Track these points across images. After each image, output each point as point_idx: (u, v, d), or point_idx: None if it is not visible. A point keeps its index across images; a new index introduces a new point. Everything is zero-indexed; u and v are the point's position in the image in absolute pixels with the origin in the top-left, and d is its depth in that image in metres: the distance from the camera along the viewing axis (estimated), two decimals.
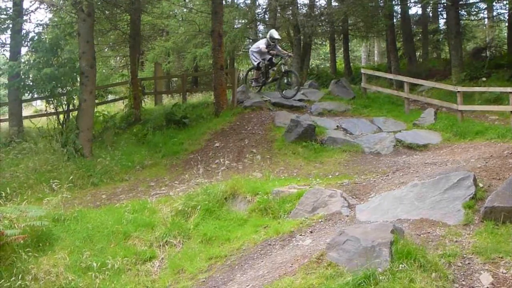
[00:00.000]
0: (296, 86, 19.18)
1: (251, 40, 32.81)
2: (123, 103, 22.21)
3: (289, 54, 20.48)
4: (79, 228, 9.15)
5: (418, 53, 31.15)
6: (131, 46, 21.10)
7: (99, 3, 17.93)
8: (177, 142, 16.06)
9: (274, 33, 19.00)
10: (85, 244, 8.53)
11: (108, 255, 8.06)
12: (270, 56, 18.69)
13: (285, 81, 19.31)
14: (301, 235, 7.48)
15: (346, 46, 33.22)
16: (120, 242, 8.66)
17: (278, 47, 19.27)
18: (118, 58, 33.03)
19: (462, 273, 5.50)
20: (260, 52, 19.04)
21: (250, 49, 19.96)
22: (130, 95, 20.57)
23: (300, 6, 30.28)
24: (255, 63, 19.27)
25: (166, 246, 8.63)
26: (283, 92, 19.42)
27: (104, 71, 30.67)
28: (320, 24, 30.23)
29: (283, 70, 18.84)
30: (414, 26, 31.46)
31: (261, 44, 19.07)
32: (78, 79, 16.43)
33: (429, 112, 16.54)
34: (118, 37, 25.90)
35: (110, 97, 26.70)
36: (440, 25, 32.84)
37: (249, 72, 22.68)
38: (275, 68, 19.11)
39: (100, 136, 17.30)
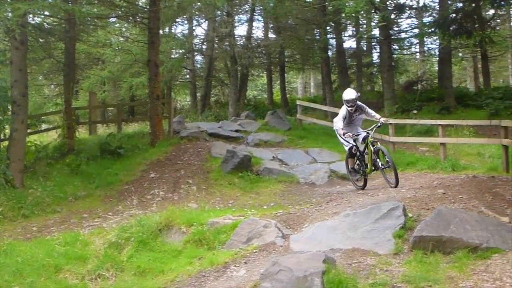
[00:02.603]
0: (393, 171, 11.15)
1: (188, 70, 32.90)
2: (56, 132, 21.78)
3: (385, 120, 12.35)
4: (8, 261, 8.86)
5: (353, 86, 31.82)
6: (66, 74, 20.78)
7: (33, 31, 17.67)
8: (111, 173, 15.84)
9: (348, 93, 11.73)
10: (15, 278, 8.26)
11: None
12: (363, 133, 11.69)
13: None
14: (235, 265, 7.47)
15: (282, 77, 33.67)
16: (51, 276, 8.43)
17: (366, 108, 12.00)
18: (52, 87, 32.51)
19: None
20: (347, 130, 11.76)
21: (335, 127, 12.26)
22: (64, 124, 20.19)
23: (238, 37, 30.60)
24: (346, 148, 12.09)
25: (98, 279, 8.44)
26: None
27: (37, 99, 30.11)
28: (257, 55, 30.68)
29: (373, 148, 11.38)
30: (349, 59, 32.19)
31: (341, 114, 11.94)
32: (10, 108, 16.06)
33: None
34: (52, 66, 25.53)
35: (44, 126, 26.18)
36: (374, 59, 33.72)
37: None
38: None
39: (32, 167, 16.86)
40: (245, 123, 21.61)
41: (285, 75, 34.63)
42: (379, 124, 11.63)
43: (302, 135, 19.32)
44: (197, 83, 34.27)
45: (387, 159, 11.10)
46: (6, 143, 16.57)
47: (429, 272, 6.17)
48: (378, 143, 11.65)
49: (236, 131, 20.05)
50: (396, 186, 10.71)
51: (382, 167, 11.18)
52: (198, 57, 35.06)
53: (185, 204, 12.53)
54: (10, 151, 15.34)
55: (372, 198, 9.89)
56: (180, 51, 29.66)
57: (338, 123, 11.94)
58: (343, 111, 11.75)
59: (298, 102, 22.46)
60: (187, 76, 34.85)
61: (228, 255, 7.99)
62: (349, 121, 11.84)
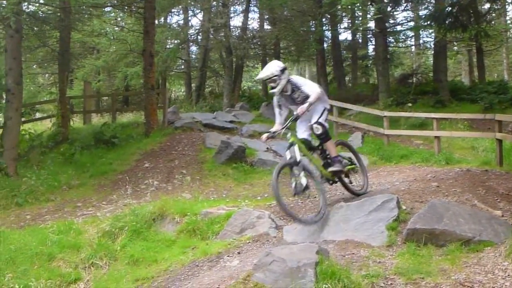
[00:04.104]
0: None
1: (183, 61, 32.83)
2: (50, 121, 21.74)
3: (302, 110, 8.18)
4: (1, 249, 8.84)
5: (348, 78, 31.86)
6: (60, 63, 20.74)
7: (28, 19, 17.59)
8: (105, 162, 15.84)
9: (264, 70, 8.55)
10: (7, 266, 8.24)
11: (31, 277, 7.81)
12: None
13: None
14: (228, 256, 7.48)
15: None
16: (44, 264, 8.42)
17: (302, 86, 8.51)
18: (46, 76, 32.39)
19: None
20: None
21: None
22: (58, 113, 20.16)
23: (233, 28, 30.59)
24: (319, 131, 8.46)
25: (92, 267, 8.44)
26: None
27: (31, 88, 29.99)
28: (252, 46, 30.58)
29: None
30: (344, 52, 32.20)
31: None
32: (4, 96, 16.02)
33: (356, 136, 16.93)
34: (46, 54, 25.44)
35: (38, 115, 26.11)
36: (369, 51, 33.72)
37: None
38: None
39: (26, 155, 16.85)
40: (240, 114, 21.61)
41: None
42: (294, 116, 8.20)
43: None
44: (192, 74, 34.22)
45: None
46: (0, 131, 16.53)
47: (421, 264, 6.19)
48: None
49: (231, 122, 20.05)
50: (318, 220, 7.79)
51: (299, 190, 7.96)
52: (193, 48, 35.07)
53: (179, 194, 12.53)
54: (4, 139, 15.33)
55: None
56: (175, 41, 29.63)
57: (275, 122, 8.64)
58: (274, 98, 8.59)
59: None
60: (182, 67, 34.81)
61: (221, 245, 8.00)
62: (286, 109, 8.66)
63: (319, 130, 8.36)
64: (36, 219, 11.51)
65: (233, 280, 6.12)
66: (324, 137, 8.47)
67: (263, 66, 34.35)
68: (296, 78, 8.48)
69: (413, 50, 38.00)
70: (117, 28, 28.04)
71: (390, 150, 15.37)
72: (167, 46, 28.63)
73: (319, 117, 8.43)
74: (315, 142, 8.76)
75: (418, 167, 12.96)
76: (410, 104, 21.72)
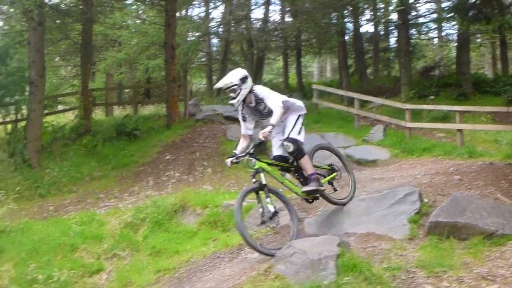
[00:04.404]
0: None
1: (204, 53, 32.85)
2: (73, 113, 21.90)
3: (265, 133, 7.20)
4: (25, 240, 8.98)
5: (369, 70, 31.65)
6: (83, 56, 20.85)
7: (51, 12, 17.73)
8: (127, 154, 15.93)
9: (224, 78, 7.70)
10: (31, 256, 8.35)
11: (54, 267, 7.92)
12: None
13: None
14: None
15: (298, 61, 33.48)
16: (67, 255, 8.52)
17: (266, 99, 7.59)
18: (69, 68, 32.59)
19: (406, 286, 5.58)
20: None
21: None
22: (81, 105, 20.29)
23: (254, 20, 30.51)
24: (291, 149, 7.52)
25: (114, 258, 8.53)
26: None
27: (54, 81, 30.19)
28: (274, 39, 30.48)
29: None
30: (366, 44, 31.97)
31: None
32: (27, 88, 16.17)
33: (378, 129, 16.82)
34: (69, 47, 25.60)
35: (60, 107, 26.31)
36: (391, 44, 33.45)
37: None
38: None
39: (49, 147, 17.02)
40: None
41: (301, 59, 34.43)
42: (258, 141, 7.22)
43: (317, 119, 19.27)
44: (213, 66, 34.24)
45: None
46: (23, 123, 16.71)
47: (444, 257, 6.16)
48: (260, 175, 7.20)
49: None
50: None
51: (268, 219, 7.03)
52: (214, 40, 35.04)
53: (200, 186, 12.58)
54: (27, 131, 15.50)
55: (388, 184, 9.88)
56: (196, 33, 29.62)
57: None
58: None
59: (314, 86, 22.38)
60: (203, 59, 34.82)
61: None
62: (252, 122, 7.86)
63: (290, 148, 7.44)
64: (59, 210, 11.64)
65: (254, 271, 6.14)
66: (297, 154, 7.51)
67: (284, 59, 34.39)
68: (260, 89, 7.53)
69: (435, 42, 37.61)
70: (138, 21, 28.07)
71: (412, 143, 15.27)
72: (188, 39, 28.63)
73: (291, 130, 7.60)
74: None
75: (440, 160, 12.87)
76: (432, 97, 21.52)
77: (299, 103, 7.95)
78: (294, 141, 7.45)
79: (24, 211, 11.61)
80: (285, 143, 7.47)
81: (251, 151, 7.28)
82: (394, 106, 18.11)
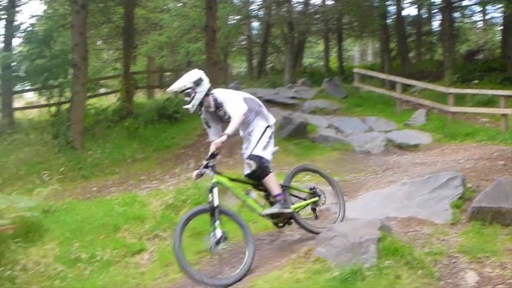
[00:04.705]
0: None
1: (245, 37, 32.84)
2: (115, 96, 22.16)
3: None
4: (69, 219, 9.12)
5: (412, 54, 31.25)
6: (125, 39, 21.05)
7: None
8: (168, 137, 16.08)
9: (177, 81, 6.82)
10: (75, 235, 8.50)
11: (97, 247, 8.04)
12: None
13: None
14: (290, 230, 7.52)
15: (339, 45, 33.25)
16: (109, 234, 8.64)
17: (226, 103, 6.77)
18: (110, 52, 32.94)
19: (448, 271, 5.54)
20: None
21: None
22: (123, 88, 20.52)
23: (295, 3, 30.32)
24: (253, 167, 6.78)
25: (155, 239, 8.61)
26: None
27: (96, 64, 30.58)
28: (314, 22, 30.29)
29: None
30: (408, 27, 31.55)
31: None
32: (70, 71, 16.40)
33: (420, 113, 16.64)
34: (111, 30, 25.85)
35: (102, 90, 26.64)
36: (434, 27, 32.96)
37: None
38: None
39: (91, 129, 17.28)
40: (301, 90, 21.50)
41: (342, 42, 34.16)
42: (209, 154, 6.66)
43: (358, 103, 19.13)
44: (253, 50, 34.23)
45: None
46: (66, 106, 16.97)
47: (486, 243, 6.08)
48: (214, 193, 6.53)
49: (292, 98, 19.97)
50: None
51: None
52: (255, 23, 34.99)
53: (240, 169, 12.60)
54: (70, 114, 15.77)
55: (430, 168, 9.77)
56: (237, 17, 29.61)
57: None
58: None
59: (355, 70, 22.21)
60: (244, 43, 34.83)
61: None
62: (217, 128, 7.06)
63: (252, 166, 6.66)
64: (102, 191, 11.82)
65: (295, 254, 6.15)
66: (259, 173, 6.71)
67: (325, 42, 34.15)
68: (219, 93, 6.76)
69: (479, 26, 36.89)
70: (179, 4, 28.21)
71: (455, 127, 15.07)
72: (229, 22, 28.65)
73: (255, 145, 6.77)
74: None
75: (483, 145, 12.68)
76: (476, 81, 21.18)
77: (265, 111, 7.11)
78: (256, 158, 6.68)
79: (67, 192, 11.81)
80: (247, 160, 6.76)
81: (210, 163, 6.60)
82: (437, 90, 17.88)
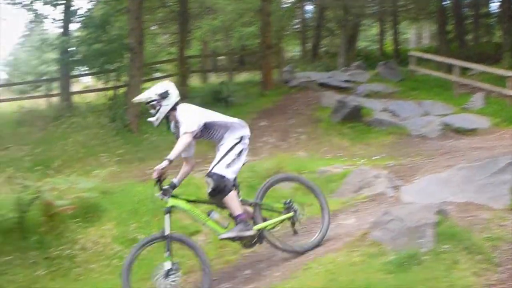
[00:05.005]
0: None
1: (299, 20, 32.66)
2: (170, 80, 22.38)
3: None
4: (126, 201, 9.29)
5: (469, 37, 30.56)
6: (180, 23, 21.21)
7: None
8: None
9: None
10: (131, 216, 8.68)
11: (153, 228, 8.17)
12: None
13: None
14: (345, 214, 7.51)
15: (395, 28, 32.78)
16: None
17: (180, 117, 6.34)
18: (166, 36, 33.23)
19: (507, 257, 5.43)
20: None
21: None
22: (178, 72, 20.70)
23: None
24: (212, 186, 6.17)
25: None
26: None
27: (151, 48, 30.91)
28: (369, 4, 29.94)
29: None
30: (466, 9, 30.86)
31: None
32: (127, 55, 16.64)
33: (478, 97, 16.32)
34: (166, 15, 26.07)
35: (157, 74, 26.93)
36: (492, 9, 32.15)
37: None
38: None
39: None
40: (356, 73, 21.33)
41: (398, 25, 33.64)
42: (155, 179, 6.26)
43: (414, 87, 18.87)
44: (307, 33, 34.05)
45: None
46: (123, 89, 17.24)
47: None
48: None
49: (346, 81, 19.85)
50: None
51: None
52: (309, 7, 34.76)
53: (295, 152, 12.63)
54: (127, 97, 16.01)
55: (488, 153, 9.58)
56: (291, 0, 29.47)
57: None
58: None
59: (411, 53, 21.91)
60: (297, 26, 34.66)
61: (338, 203, 8.03)
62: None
63: (210, 184, 6.10)
64: None
65: (350, 237, 6.14)
66: (218, 192, 6.10)
67: (380, 25, 33.67)
68: (181, 110, 6.28)
69: None
70: None
71: None
72: (283, 6, 28.54)
73: (218, 161, 6.23)
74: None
75: None
76: None
77: (237, 124, 6.62)
78: (215, 176, 6.09)
79: (124, 173, 12.02)
80: (205, 178, 6.22)
81: (165, 187, 6.19)
82: (496, 74, 17.44)
